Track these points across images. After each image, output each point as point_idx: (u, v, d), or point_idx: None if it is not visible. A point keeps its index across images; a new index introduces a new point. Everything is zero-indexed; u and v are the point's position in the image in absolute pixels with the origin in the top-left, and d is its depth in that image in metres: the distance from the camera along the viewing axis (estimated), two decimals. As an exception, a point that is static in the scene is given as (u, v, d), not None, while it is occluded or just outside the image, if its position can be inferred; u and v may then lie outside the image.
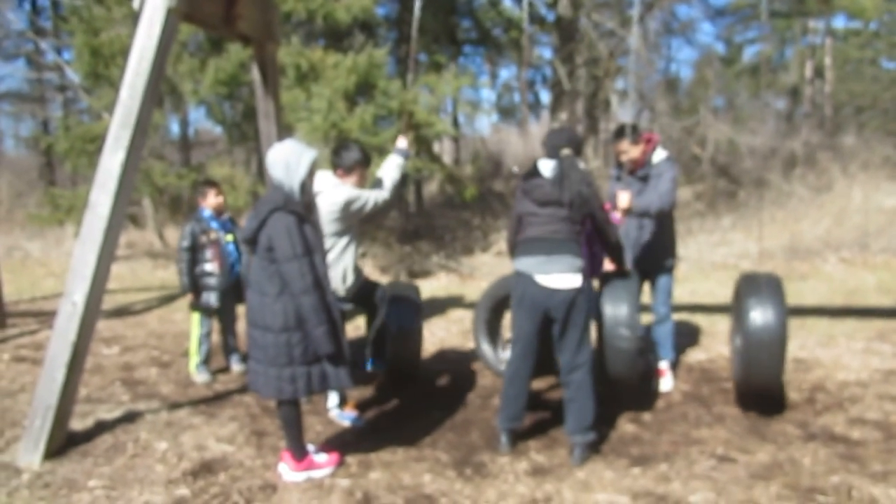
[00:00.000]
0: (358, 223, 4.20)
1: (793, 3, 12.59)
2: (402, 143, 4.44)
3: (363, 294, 4.30)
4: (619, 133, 4.52)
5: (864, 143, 14.16)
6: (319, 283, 3.20)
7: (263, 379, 3.28)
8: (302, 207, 3.26)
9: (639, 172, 4.48)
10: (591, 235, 3.89)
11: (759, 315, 3.80)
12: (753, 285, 4.00)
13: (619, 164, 4.59)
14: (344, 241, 4.05)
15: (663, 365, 4.75)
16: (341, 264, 4.06)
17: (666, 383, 4.71)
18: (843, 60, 19.15)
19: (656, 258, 4.59)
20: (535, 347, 3.70)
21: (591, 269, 4.02)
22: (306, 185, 3.32)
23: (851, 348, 5.47)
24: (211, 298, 5.02)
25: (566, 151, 3.64)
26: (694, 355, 5.45)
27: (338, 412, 4.24)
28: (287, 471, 3.44)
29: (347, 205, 3.94)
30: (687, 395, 4.63)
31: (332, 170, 4.13)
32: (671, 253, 4.66)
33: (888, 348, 5.42)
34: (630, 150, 4.43)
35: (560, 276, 3.53)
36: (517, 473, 3.49)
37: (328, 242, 3.90)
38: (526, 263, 3.62)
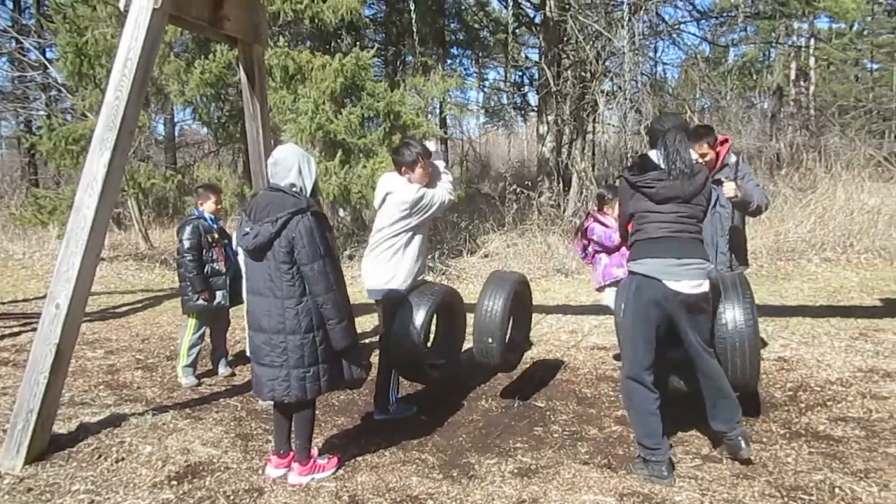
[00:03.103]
0: (428, 222, 4.35)
1: (776, 4, 12.68)
2: (432, 145, 4.51)
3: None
4: (698, 135, 4.34)
5: (847, 143, 14.30)
6: (339, 280, 3.29)
7: (286, 383, 3.27)
8: (320, 207, 3.36)
9: (714, 175, 4.32)
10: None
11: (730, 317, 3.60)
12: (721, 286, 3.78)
13: None
14: (407, 236, 4.18)
15: None
16: (408, 258, 4.20)
17: None
18: (826, 61, 19.37)
19: (728, 264, 4.45)
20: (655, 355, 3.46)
21: None
22: (317, 187, 3.46)
23: (834, 347, 5.53)
24: (220, 297, 5.00)
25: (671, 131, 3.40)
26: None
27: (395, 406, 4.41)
28: (293, 474, 3.42)
29: (417, 201, 4.11)
30: (672, 395, 4.65)
31: (397, 169, 4.27)
32: (742, 260, 4.56)
33: (870, 347, 5.48)
34: (709, 153, 4.35)
35: (690, 281, 3.34)
36: (504, 475, 3.49)
37: (390, 238, 4.15)
38: (652, 266, 3.36)
